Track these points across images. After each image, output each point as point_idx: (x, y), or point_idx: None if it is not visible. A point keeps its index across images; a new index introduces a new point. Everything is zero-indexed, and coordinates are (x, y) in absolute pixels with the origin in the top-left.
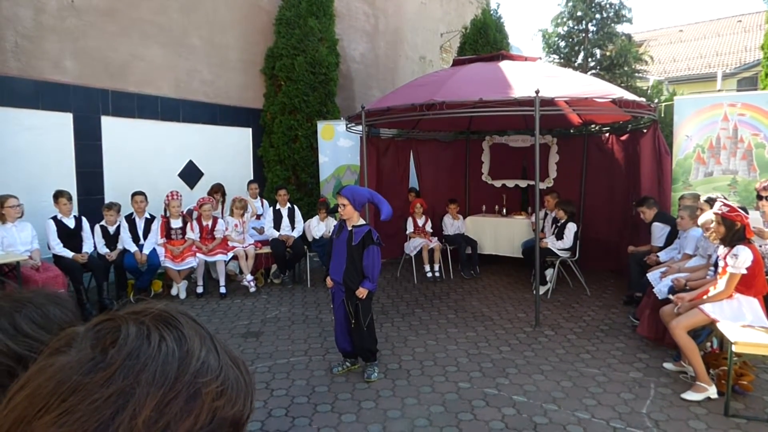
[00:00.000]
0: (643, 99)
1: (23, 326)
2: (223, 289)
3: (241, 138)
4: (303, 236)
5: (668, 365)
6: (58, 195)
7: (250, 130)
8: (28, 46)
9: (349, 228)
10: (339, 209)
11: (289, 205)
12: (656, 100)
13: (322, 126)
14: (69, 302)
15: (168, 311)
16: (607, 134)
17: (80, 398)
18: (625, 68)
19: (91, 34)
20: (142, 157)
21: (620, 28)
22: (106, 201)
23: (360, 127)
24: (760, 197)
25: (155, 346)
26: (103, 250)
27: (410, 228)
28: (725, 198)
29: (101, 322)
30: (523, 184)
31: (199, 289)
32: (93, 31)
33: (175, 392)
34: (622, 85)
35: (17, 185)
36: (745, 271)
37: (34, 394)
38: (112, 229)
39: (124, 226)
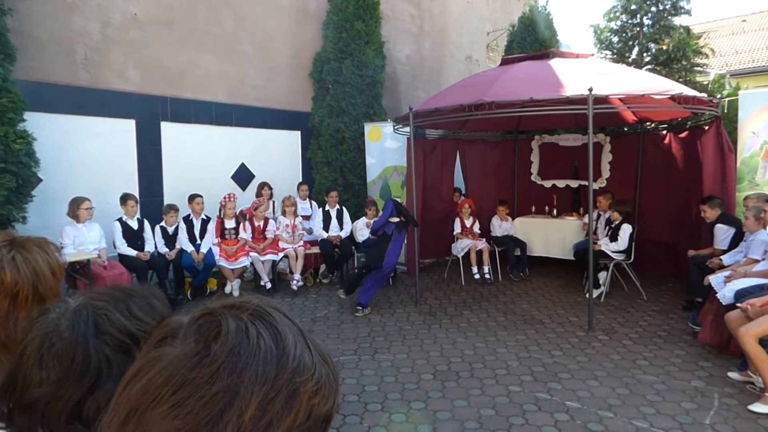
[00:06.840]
0: (704, 94)
1: (135, 311)
2: (268, 285)
3: (291, 141)
4: (351, 237)
5: (733, 374)
6: (126, 198)
7: (299, 132)
8: (96, 58)
9: None
10: None
11: (338, 206)
12: (718, 96)
13: (369, 128)
14: (164, 298)
15: (262, 306)
16: (664, 132)
17: (189, 392)
18: (684, 62)
19: (151, 45)
20: (198, 160)
21: (678, 21)
22: (165, 202)
23: (407, 129)
24: None
25: (254, 343)
26: (163, 249)
27: (458, 229)
28: None
29: (202, 316)
30: (574, 184)
31: (268, 285)
32: (153, 41)
33: (276, 391)
34: (681, 80)
35: (85, 187)
36: None
37: (147, 385)
38: (171, 230)
39: (182, 227)
